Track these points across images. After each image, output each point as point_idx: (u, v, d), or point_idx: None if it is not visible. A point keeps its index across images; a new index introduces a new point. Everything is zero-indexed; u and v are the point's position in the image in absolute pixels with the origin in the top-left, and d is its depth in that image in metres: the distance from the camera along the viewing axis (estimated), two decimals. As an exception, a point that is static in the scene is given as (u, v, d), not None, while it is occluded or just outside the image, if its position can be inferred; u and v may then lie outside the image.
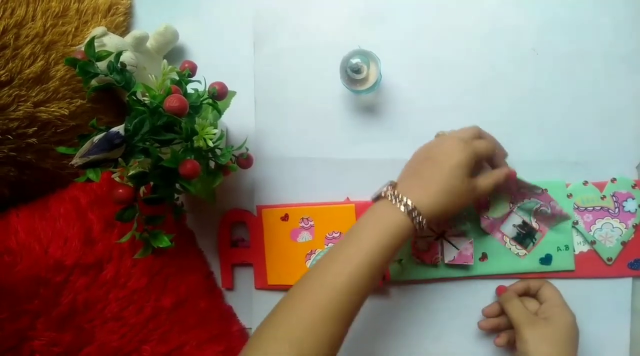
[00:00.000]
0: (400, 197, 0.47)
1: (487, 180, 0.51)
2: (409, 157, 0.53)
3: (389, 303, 0.60)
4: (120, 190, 0.46)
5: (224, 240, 0.62)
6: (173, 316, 0.55)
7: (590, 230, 0.57)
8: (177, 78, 0.48)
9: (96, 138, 0.41)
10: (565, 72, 0.58)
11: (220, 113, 0.51)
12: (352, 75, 0.54)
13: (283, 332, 0.43)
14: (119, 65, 0.48)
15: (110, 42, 0.53)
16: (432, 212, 0.47)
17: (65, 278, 0.50)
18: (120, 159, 0.44)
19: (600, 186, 0.57)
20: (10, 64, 0.48)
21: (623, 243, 0.56)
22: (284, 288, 0.60)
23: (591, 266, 0.57)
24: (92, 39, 0.48)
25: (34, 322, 0.48)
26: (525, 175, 0.55)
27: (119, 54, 0.49)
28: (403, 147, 0.53)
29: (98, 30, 0.53)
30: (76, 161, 0.41)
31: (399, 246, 0.46)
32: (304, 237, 0.61)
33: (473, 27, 0.59)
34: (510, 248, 0.57)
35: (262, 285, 0.62)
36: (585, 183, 0.57)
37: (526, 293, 0.56)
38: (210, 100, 0.48)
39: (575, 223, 0.57)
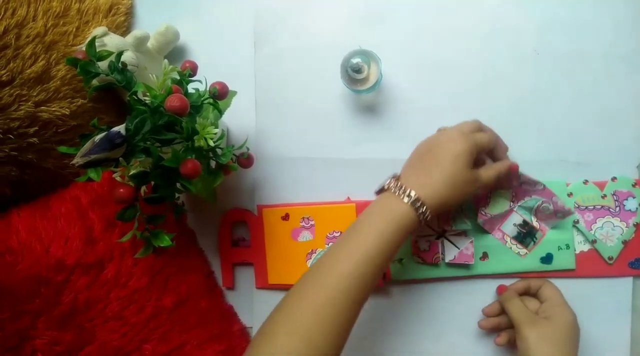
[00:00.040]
0: (403, 188, 0.47)
1: (489, 171, 0.51)
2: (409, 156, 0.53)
3: (390, 302, 0.60)
4: (121, 190, 0.46)
5: (225, 240, 0.62)
6: (174, 315, 0.55)
7: (591, 229, 0.57)
8: (178, 78, 0.48)
9: (97, 137, 0.41)
10: (565, 72, 0.58)
11: (221, 113, 0.51)
12: (353, 74, 0.54)
13: (292, 324, 0.43)
14: (120, 65, 0.48)
15: (111, 42, 0.53)
16: (436, 202, 0.47)
17: (66, 277, 0.50)
18: (121, 159, 0.44)
19: (601, 185, 0.57)
20: (11, 64, 0.48)
21: (624, 242, 0.56)
22: (285, 288, 0.60)
23: (592, 265, 0.57)
24: (93, 39, 0.49)
25: (35, 321, 0.48)
26: (526, 174, 0.56)
27: (120, 53, 0.49)
28: (403, 147, 0.53)
29: (99, 30, 0.53)
30: (77, 160, 0.42)
31: (403, 238, 0.47)
32: (305, 236, 0.61)
33: (473, 27, 0.59)
34: (510, 248, 0.57)
35: (263, 284, 0.62)
36: (586, 182, 0.57)
37: (527, 293, 0.56)
38: (211, 100, 0.49)
39: (576, 222, 0.57)
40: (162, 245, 0.49)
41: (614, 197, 0.57)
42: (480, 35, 0.59)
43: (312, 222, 0.61)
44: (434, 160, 0.49)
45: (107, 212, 0.53)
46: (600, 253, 0.57)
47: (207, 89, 0.49)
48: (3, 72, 0.47)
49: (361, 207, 0.59)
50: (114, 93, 0.58)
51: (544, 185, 0.56)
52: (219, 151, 0.50)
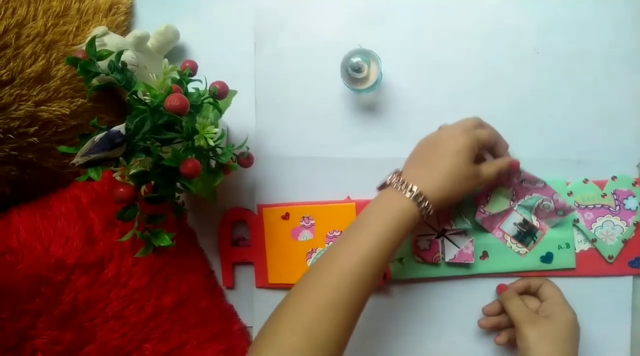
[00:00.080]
0: (405, 183, 0.48)
1: (490, 167, 0.52)
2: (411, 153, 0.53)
3: (390, 301, 0.60)
4: (121, 189, 0.46)
5: (225, 239, 0.62)
6: (174, 315, 0.55)
7: (591, 228, 0.57)
8: (178, 77, 0.48)
9: (97, 137, 0.41)
10: (565, 72, 0.58)
11: (221, 112, 0.51)
12: (353, 74, 0.54)
13: (294, 323, 0.43)
14: (120, 64, 0.48)
15: (111, 41, 0.53)
16: (438, 197, 0.48)
17: (66, 277, 0.50)
18: (121, 158, 0.44)
19: (601, 184, 0.57)
20: (11, 64, 0.48)
21: (624, 241, 0.56)
22: (285, 287, 0.60)
23: (592, 264, 0.57)
24: (93, 39, 0.49)
25: (35, 321, 0.48)
26: (526, 174, 0.56)
27: (120, 53, 0.49)
28: (403, 147, 0.54)
29: (99, 29, 0.53)
30: (77, 160, 0.42)
31: (404, 235, 0.47)
32: (305, 235, 0.61)
33: (473, 27, 0.59)
34: (511, 247, 0.58)
35: (263, 283, 0.62)
36: (586, 181, 0.58)
37: (527, 292, 0.56)
38: (211, 99, 0.49)
39: (576, 221, 0.57)
40: (162, 245, 0.49)
41: (614, 196, 0.57)
42: (481, 35, 0.59)
43: (312, 221, 0.61)
44: (435, 156, 0.50)
45: (107, 212, 0.53)
46: (601, 252, 0.57)
47: (207, 88, 0.49)
48: (3, 71, 0.47)
49: (361, 206, 0.59)
50: (114, 92, 0.58)
51: (545, 183, 0.56)
52: (219, 150, 0.50)
